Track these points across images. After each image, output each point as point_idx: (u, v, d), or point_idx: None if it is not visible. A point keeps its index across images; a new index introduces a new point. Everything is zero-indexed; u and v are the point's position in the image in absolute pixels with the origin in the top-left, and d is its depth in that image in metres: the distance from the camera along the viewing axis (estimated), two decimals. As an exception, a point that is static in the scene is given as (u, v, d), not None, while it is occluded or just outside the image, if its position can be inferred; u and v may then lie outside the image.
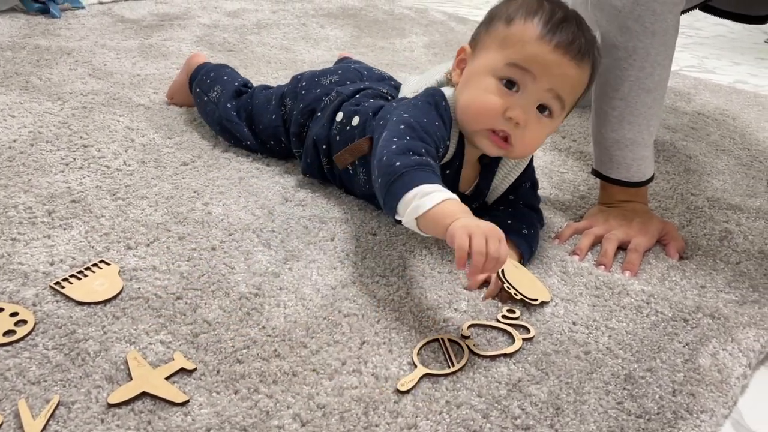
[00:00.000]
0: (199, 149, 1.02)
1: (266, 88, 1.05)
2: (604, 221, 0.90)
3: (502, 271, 0.75)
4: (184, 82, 1.13)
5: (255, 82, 1.32)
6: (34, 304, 0.66)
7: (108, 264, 0.72)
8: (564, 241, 0.89)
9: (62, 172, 0.90)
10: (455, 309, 0.72)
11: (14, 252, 0.73)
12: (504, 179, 0.86)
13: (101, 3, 1.81)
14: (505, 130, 0.75)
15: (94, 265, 0.72)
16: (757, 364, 0.71)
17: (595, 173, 0.94)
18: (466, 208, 0.66)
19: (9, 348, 0.60)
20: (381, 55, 1.66)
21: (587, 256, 0.86)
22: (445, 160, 0.81)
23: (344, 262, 0.78)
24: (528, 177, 0.87)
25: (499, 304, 0.74)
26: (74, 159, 0.94)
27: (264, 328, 0.66)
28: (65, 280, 0.69)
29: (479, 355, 0.66)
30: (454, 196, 0.67)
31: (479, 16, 0.76)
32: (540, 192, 0.95)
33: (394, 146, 0.71)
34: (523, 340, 0.68)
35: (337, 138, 0.88)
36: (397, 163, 0.69)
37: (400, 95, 0.90)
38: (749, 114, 1.52)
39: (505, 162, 0.85)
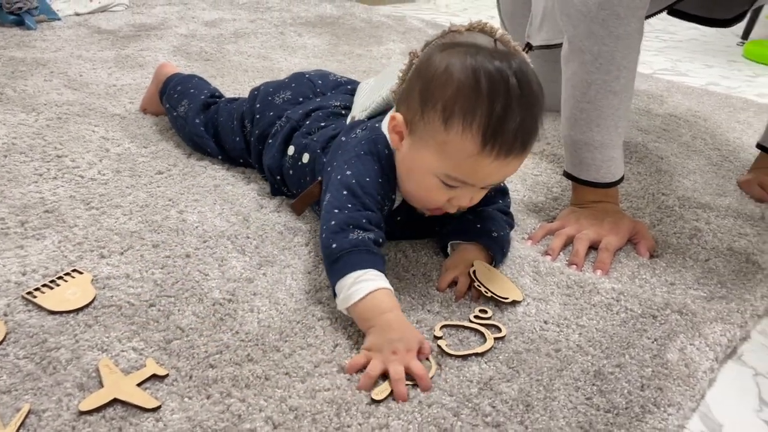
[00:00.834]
0: (174, 158, 1.02)
1: (231, 101, 1.05)
2: (575, 221, 0.91)
3: (474, 272, 0.76)
4: (155, 93, 1.13)
5: (232, 90, 1.33)
6: (5, 314, 0.66)
7: (81, 273, 0.72)
8: (537, 242, 0.90)
9: (36, 182, 0.90)
10: (428, 310, 0.73)
11: (-14, 263, 0.73)
12: None
13: (77, 14, 1.81)
14: (448, 210, 0.76)
15: (67, 274, 0.72)
16: (724, 358, 0.73)
17: (567, 175, 0.96)
18: (394, 303, 0.67)
19: (-21, 358, 0.60)
20: (358, 62, 1.68)
21: (559, 256, 0.87)
22: (394, 208, 0.80)
23: (318, 267, 0.79)
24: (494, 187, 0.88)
25: (472, 305, 0.75)
26: (48, 169, 0.94)
27: (237, 333, 0.66)
28: (37, 289, 0.69)
29: (451, 355, 0.66)
30: (385, 285, 0.67)
31: (457, 23, 0.76)
32: (514, 194, 0.97)
33: (333, 222, 0.70)
34: (495, 339, 0.69)
35: (290, 172, 0.89)
36: (333, 245, 0.68)
37: (353, 109, 0.90)
38: (720, 115, 1.55)
39: None
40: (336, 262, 0.68)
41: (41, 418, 0.54)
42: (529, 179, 1.10)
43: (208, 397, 0.58)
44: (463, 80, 0.67)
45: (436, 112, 0.68)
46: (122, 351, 0.62)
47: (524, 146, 0.69)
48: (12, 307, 0.66)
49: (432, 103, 0.68)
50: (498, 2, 1.43)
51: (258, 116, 0.96)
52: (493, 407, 0.60)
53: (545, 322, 0.73)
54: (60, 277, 0.71)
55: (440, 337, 0.69)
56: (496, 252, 0.81)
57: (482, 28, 0.72)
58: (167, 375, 0.60)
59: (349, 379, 0.62)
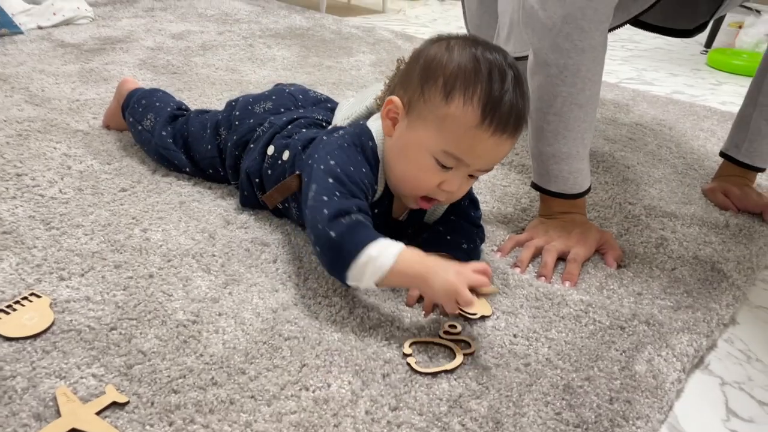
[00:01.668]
0: (138, 174, 1.00)
1: (202, 112, 1.04)
2: (544, 233, 0.91)
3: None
4: (117, 108, 1.11)
5: (199, 104, 1.32)
6: (-42, 342, 0.63)
7: (39, 296, 0.70)
8: (506, 254, 0.90)
9: (-7, 202, 0.88)
10: (398, 327, 0.72)
11: (-62, 288, 0.70)
12: (438, 207, 0.86)
13: (40, 28, 1.78)
14: (435, 198, 0.77)
15: (24, 298, 0.70)
16: (691, 368, 0.73)
17: (535, 186, 0.96)
18: (420, 253, 0.69)
19: (-71, 390, 0.57)
20: (328, 74, 1.67)
21: (528, 268, 0.87)
22: (374, 200, 0.81)
23: (286, 284, 0.77)
24: (466, 196, 0.88)
25: (441, 320, 0.74)
26: (6, 189, 0.91)
27: (201, 355, 0.65)
28: (-8, 315, 0.67)
29: (420, 373, 0.66)
30: (399, 244, 0.69)
31: (426, 34, 0.77)
32: (483, 206, 0.97)
33: (325, 210, 0.70)
34: (464, 355, 0.69)
35: (269, 172, 0.88)
36: (332, 233, 0.68)
37: (334, 121, 0.90)
38: (685, 123, 1.58)
39: None
40: (341, 249, 0.68)
41: (-6, 451, 0.52)
42: (498, 190, 1.10)
43: (170, 425, 0.57)
44: (464, 62, 0.72)
45: (437, 87, 0.72)
46: (81, 378, 0.60)
47: (516, 127, 0.73)
48: (-35, 335, 0.64)
49: (433, 80, 0.72)
50: (464, 14, 1.44)
51: (237, 123, 0.95)
52: (463, 425, 0.60)
53: (514, 336, 0.73)
54: (17, 302, 0.69)
55: (409, 354, 0.68)
56: (466, 265, 0.81)
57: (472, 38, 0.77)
58: (128, 402, 0.58)
59: (315, 401, 0.61)
